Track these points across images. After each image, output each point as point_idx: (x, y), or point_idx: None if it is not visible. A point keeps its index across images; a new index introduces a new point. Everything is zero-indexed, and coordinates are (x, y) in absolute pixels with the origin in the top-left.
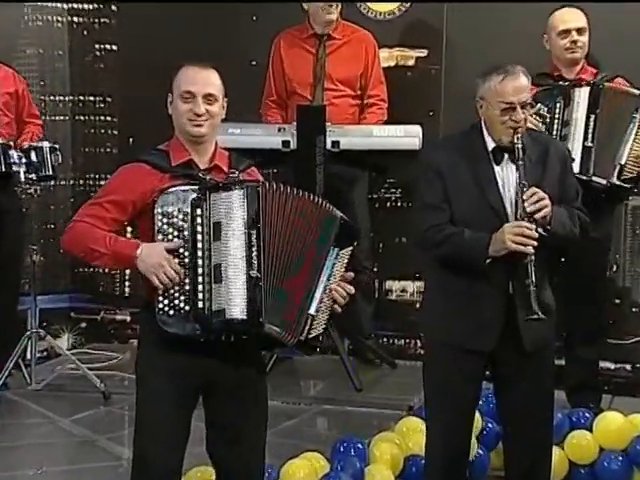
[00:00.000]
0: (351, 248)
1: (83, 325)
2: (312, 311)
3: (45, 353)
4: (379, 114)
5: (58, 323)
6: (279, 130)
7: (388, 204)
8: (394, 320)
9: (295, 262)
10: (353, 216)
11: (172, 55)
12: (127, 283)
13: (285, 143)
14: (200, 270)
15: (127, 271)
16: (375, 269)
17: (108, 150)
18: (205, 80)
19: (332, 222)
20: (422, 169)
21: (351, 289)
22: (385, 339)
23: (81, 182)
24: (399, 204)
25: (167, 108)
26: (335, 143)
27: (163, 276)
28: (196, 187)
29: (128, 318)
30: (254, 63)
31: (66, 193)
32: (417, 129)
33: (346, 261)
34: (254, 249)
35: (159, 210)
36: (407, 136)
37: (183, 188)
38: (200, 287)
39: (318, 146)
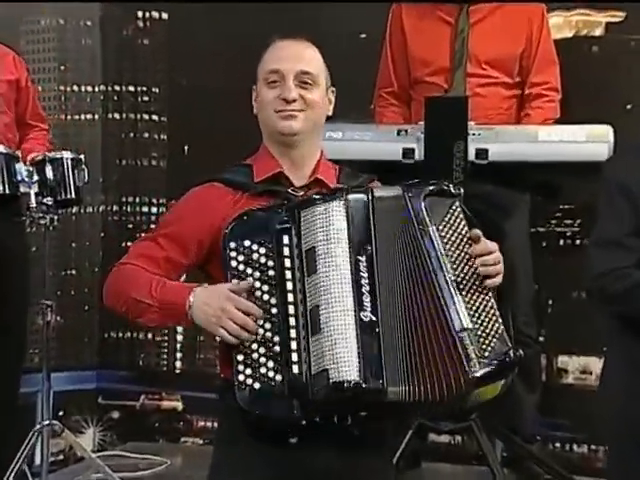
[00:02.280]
0: (451, 201)
1: (115, 415)
2: (465, 324)
3: (61, 456)
4: (548, 110)
5: (80, 412)
6: (399, 133)
7: (561, 242)
8: (571, 415)
9: (414, 286)
10: (507, 258)
11: (247, 28)
12: (179, 354)
13: (407, 152)
14: (293, 320)
15: (178, 337)
16: (541, 338)
17: (154, 163)
18: (297, 54)
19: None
20: (602, 187)
21: (494, 247)
22: (558, 444)
23: (115, 209)
24: (577, 242)
25: (253, 107)
26: (482, 152)
27: (231, 324)
28: (280, 206)
29: (180, 406)
30: (363, 36)
31: (94, 224)
32: (606, 131)
33: (455, 218)
34: (364, 282)
35: (231, 245)
36: (591, 141)
37: (263, 211)
38: (294, 343)
39: (457, 156)
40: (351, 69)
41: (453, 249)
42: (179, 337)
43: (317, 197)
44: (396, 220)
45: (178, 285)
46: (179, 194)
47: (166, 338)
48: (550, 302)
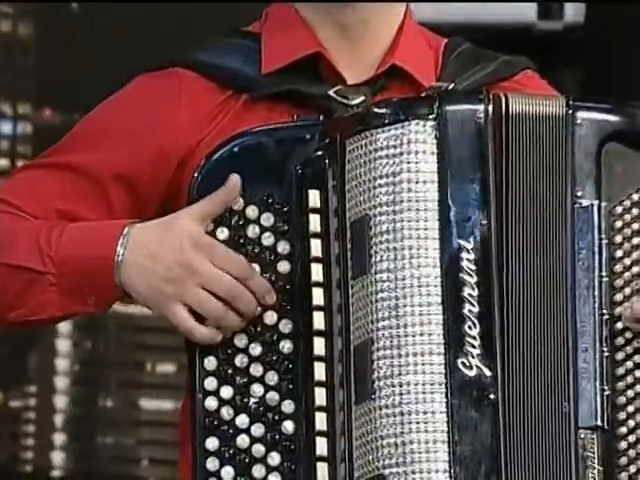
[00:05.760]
0: None
1: None
2: (596, 420)
3: None
4: None
5: None
6: None
7: None
8: None
9: (544, 321)
10: None
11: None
12: None
13: (548, 9)
14: (322, 369)
15: None
16: None
17: None
18: None
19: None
20: None
21: None
22: None
23: None
24: None
25: None
26: None
27: (206, 299)
28: (308, 127)
29: None
30: None
31: None
32: None
33: None
34: (470, 296)
35: None
36: None
37: (273, 135)
38: (320, 418)
39: None
40: None
41: (625, 265)
42: None
43: (381, 111)
44: (543, 169)
45: (91, 225)
46: None
47: None
48: None
